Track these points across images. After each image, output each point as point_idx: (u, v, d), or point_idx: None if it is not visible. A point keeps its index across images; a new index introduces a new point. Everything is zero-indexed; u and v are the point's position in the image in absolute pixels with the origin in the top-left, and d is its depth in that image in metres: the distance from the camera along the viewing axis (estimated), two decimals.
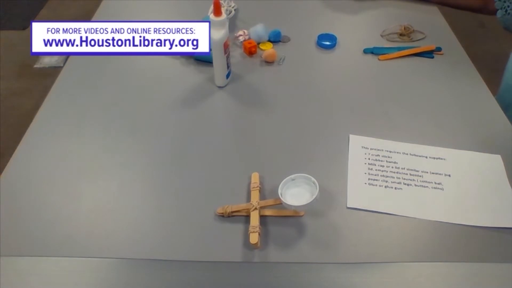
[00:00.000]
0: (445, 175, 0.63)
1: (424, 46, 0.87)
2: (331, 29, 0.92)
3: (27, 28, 2.51)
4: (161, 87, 0.79)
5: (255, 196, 0.59)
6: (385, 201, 0.59)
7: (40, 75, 2.17)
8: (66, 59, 0.87)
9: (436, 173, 0.63)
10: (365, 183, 0.62)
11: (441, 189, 0.61)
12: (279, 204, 0.56)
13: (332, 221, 0.57)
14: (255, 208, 0.57)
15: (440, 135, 0.69)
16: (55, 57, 2.26)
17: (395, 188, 0.61)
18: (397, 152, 0.66)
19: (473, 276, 0.47)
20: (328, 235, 0.56)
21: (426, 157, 0.65)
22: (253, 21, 0.89)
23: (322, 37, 0.89)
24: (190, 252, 0.54)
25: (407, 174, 0.63)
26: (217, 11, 0.69)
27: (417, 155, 0.66)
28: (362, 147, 0.67)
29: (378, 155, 0.66)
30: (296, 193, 0.57)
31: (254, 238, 0.53)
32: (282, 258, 0.53)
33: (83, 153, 0.67)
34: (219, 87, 0.79)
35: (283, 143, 0.69)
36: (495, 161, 0.65)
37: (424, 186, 0.61)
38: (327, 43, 0.88)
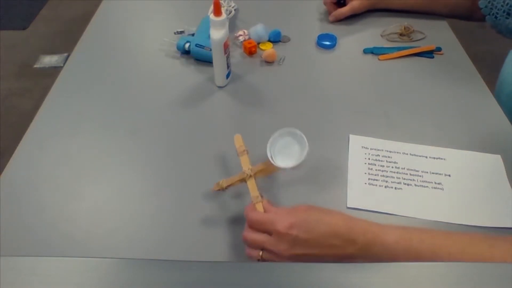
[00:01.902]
0: (445, 175, 0.63)
1: (424, 46, 0.87)
2: (331, 29, 0.92)
3: (27, 28, 2.51)
4: (161, 87, 0.79)
5: (245, 162, 0.56)
6: (385, 201, 0.59)
7: (40, 75, 2.17)
8: (66, 59, 0.87)
9: (436, 173, 0.63)
10: (365, 183, 0.62)
11: (441, 189, 0.61)
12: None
13: None
14: (250, 176, 0.55)
15: (440, 135, 0.69)
16: (55, 57, 2.26)
17: (395, 188, 0.61)
18: (397, 152, 0.66)
19: (473, 276, 0.47)
20: None
21: (426, 157, 0.65)
22: (253, 21, 0.89)
23: (322, 37, 0.89)
24: (190, 252, 0.54)
25: (407, 174, 0.63)
26: (217, 11, 0.69)
27: (417, 155, 0.66)
28: (362, 147, 0.67)
29: (378, 155, 0.66)
30: (284, 147, 0.55)
31: (260, 208, 0.53)
32: None
33: (83, 153, 0.67)
34: (219, 87, 0.79)
35: None
36: (495, 161, 0.65)
37: (424, 186, 0.61)
38: (327, 43, 0.88)
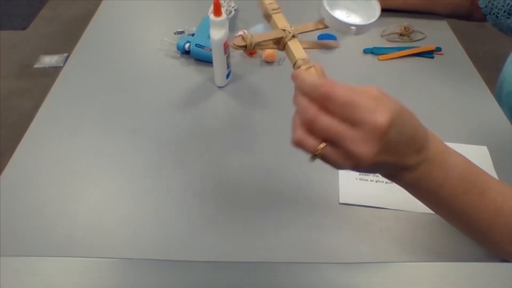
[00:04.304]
0: None
1: (424, 46, 0.87)
2: (331, 29, 0.92)
3: (27, 28, 2.51)
4: (161, 87, 0.79)
5: (281, 21, 0.40)
6: (376, 196, 0.60)
7: (40, 75, 2.17)
8: (66, 59, 0.87)
9: None
10: (356, 178, 0.63)
11: None
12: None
13: (326, 217, 0.57)
14: (293, 36, 0.39)
15: (439, 135, 0.69)
16: (55, 57, 2.26)
17: (386, 182, 0.62)
18: None
19: (473, 276, 0.47)
20: (322, 233, 0.56)
21: None
22: (253, 21, 0.89)
23: (322, 37, 0.89)
24: (190, 252, 0.54)
25: None
26: (217, 11, 0.69)
27: None
28: None
29: None
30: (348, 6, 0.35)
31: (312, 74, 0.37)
32: (282, 258, 0.53)
33: (83, 153, 0.67)
34: (219, 87, 0.79)
35: (282, 142, 0.68)
36: (482, 152, 0.65)
37: None
38: None
